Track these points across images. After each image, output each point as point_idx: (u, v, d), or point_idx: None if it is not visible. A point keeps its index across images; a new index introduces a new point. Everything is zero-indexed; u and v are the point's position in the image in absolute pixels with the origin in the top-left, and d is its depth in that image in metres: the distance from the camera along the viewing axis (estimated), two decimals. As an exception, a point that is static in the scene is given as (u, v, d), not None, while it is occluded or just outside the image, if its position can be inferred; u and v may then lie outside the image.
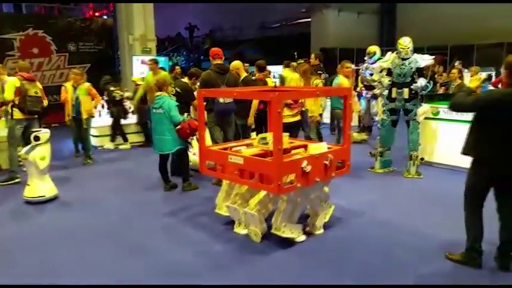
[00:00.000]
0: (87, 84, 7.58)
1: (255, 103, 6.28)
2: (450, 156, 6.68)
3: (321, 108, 6.96)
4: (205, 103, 5.89)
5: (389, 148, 6.70)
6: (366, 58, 8.89)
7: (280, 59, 16.30)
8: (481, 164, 3.43)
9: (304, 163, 3.80)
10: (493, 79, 12.98)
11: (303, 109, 6.36)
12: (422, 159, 6.45)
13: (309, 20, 19.84)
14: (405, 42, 6.15)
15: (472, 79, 3.22)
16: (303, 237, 4.07)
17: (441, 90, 9.83)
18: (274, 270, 3.61)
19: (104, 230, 4.54)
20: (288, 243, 4.02)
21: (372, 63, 7.94)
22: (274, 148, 3.63)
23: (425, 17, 17.25)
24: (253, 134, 6.90)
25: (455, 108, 3.58)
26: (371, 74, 7.43)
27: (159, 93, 5.62)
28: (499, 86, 11.10)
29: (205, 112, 6.04)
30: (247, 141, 4.88)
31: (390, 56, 6.72)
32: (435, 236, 4.20)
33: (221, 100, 5.75)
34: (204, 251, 4.00)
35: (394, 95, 6.22)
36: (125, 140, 9.00)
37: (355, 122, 9.71)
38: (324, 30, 18.63)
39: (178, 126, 5.46)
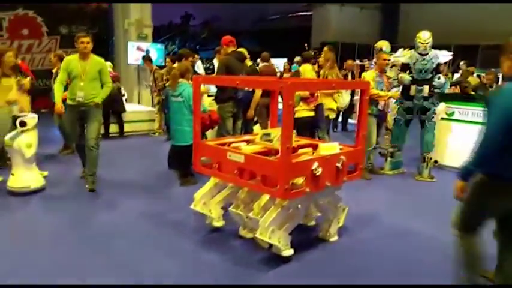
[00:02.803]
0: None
1: (257, 94, 5.87)
2: (463, 159, 6.32)
3: (334, 104, 6.43)
4: (219, 92, 5.55)
5: (400, 149, 6.33)
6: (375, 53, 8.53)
7: (279, 51, 15.92)
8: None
9: (315, 165, 3.33)
10: (500, 81, 12.73)
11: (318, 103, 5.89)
12: (436, 161, 6.08)
13: (310, 13, 19.39)
14: (425, 36, 5.74)
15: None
16: (290, 251, 3.42)
17: (451, 90, 9.47)
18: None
19: (90, 232, 4.00)
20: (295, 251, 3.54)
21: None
22: (282, 146, 3.12)
23: (428, 15, 16.86)
24: (256, 128, 6.49)
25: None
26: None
27: (181, 80, 5.20)
28: None
29: (218, 102, 5.65)
30: (246, 137, 4.37)
31: (404, 51, 6.34)
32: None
33: (246, 88, 5.33)
34: (195, 262, 3.48)
35: (413, 92, 5.81)
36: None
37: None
38: (325, 24, 18.18)
39: None
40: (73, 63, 4.92)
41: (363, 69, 10.50)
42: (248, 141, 4.12)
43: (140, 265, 3.38)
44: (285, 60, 15.83)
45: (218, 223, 3.95)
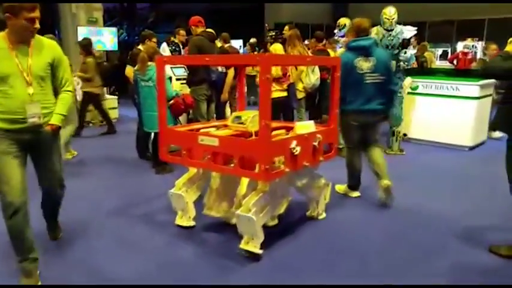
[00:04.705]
0: None
1: (230, 76, 5.73)
2: (428, 132, 6.59)
3: (301, 84, 6.46)
4: (191, 74, 5.33)
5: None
6: (335, 31, 8.58)
7: (232, 33, 15.69)
8: None
9: (293, 143, 3.20)
10: (449, 55, 13.31)
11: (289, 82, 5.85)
12: (405, 135, 6.27)
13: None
14: (390, 12, 5.84)
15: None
16: (259, 251, 3.16)
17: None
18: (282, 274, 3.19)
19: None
20: (284, 238, 3.46)
21: (341, 36, 7.65)
22: (260, 123, 2.94)
23: (376, -7, 17.23)
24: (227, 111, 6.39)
25: (488, 71, 3.33)
26: (341, 47, 7.13)
27: (150, 63, 4.91)
28: (455, 62, 11.35)
29: (191, 85, 5.46)
30: (215, 123, 4.09)
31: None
32: (448, 218, 3.98)
33: (219, 69, 5.16)
34: (168, 260, 3.18)
35: (380, 67, 5.94)
36: None
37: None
38: (278, 5, 18.09)
39: (171, 102, 4.83)
40: (2, 52, 2.67)
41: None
42: (217, 127, 3.86)
43: (102, 266, 3.09)
44: (240, 41, 15.67)
45: (190, 223, 3.69)
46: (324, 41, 10.57)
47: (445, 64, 12.39)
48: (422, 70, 8.39)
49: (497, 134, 6.79)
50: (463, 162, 5.82)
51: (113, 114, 8.98)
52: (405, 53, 5.96)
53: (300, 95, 6.37)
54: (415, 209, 4.15)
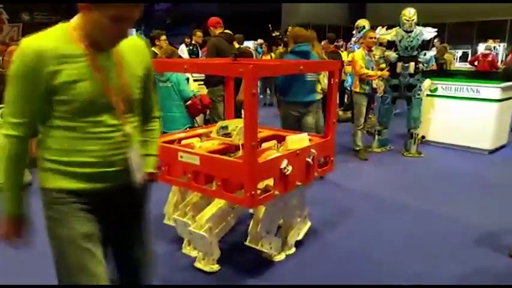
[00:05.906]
0: None
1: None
2: (447, 134, 6.49)
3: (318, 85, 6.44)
4: (208, 75, 5.33)
5: (386, 126, 6.39)
6: (354, 32, 8.55)
7: (250, 34, 15.74)
8: None
9: (284, 163, 2.79)
10: (469, 57, 13.10)
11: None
12: (423, 137, 6.18)
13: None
14: (410, 13, 5.78)
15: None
16: (282, 256, 3.20)
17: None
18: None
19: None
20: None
21: (361, 37, 7.61)
22: (246, 145, 2.58)
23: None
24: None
25: (509, 73, 3.32)
26: (359, 48, 7.09)
27: None
28: (476, 63, 11.15)
29: (209, 85, 5.51)
30: (200, 130, 3.71)
31: (382, 29, 6.43)
32: (466, 222, 3.92)
33: None
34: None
35: (399, 69, 5.86)
36: None
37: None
38: (295, 6, 18.09)
39: (189, 102, 4.88)
40: (76, 65, 1.51)
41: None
42: (201, 136, 3.49)
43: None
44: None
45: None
46: (341, 42, 10.56)
47: (465, 66, 12.20)
48: (442, 72, 8.26)
49: None
50: (482, 166, 5.71)
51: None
52: (425, 54, 5.89)
53: (318, 96, 6.33)
54: (432, 213, 4.09)
